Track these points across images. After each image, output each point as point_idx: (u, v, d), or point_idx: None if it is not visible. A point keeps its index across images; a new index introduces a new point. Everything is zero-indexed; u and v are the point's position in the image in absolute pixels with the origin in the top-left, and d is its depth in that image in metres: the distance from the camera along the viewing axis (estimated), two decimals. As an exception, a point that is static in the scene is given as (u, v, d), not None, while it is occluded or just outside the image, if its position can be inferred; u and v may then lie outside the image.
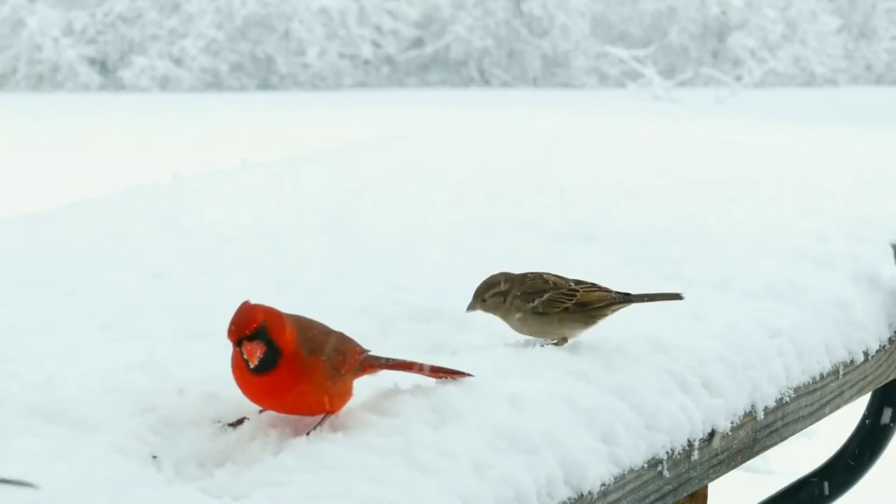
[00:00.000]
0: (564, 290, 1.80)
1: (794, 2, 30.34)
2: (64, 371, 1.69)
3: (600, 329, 1.88)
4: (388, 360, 1.62)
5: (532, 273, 1.84)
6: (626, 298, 1.83)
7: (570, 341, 1.83)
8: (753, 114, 20.71)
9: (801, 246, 2.50)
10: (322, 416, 1.54)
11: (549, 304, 1.80)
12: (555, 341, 1.82)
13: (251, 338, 1.50)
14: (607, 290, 1.83)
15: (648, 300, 1.84)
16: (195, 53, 27.43)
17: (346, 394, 1.56)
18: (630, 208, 2.85)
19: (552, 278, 1.83)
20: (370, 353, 1.61)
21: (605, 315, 1.82)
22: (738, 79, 27.87)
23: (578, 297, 1.80)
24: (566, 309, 1.80)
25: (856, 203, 2.93)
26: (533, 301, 1.80)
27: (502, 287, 1.82)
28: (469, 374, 1.65)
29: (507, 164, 3.63)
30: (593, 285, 1.83)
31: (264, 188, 3.20)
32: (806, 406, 2.05)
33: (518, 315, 1.81)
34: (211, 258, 2.42)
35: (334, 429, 1.53)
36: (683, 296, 1.84)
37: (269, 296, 2.10)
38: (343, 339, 1.59)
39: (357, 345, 1.60)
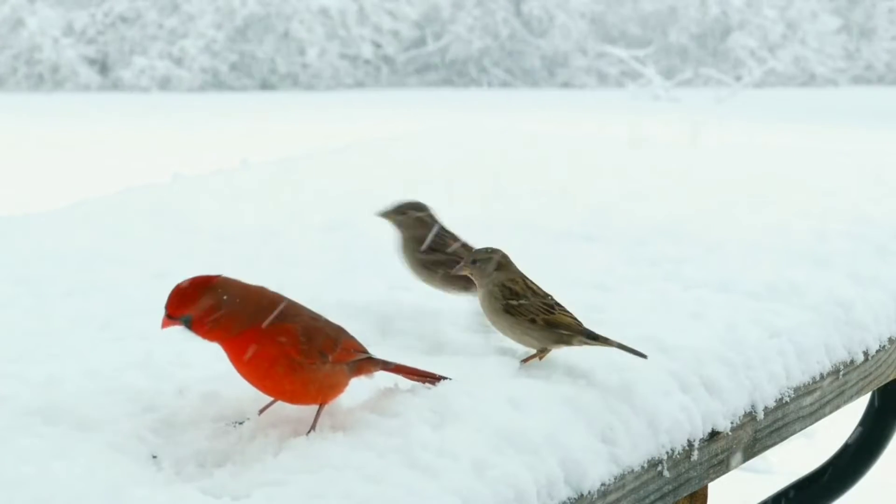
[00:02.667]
0: (540, 304, 1.78)
1: (794, 2, 30.34)
2: (64, 371, 1.69)
3: (600, 327, 1.88)
4: (385, 363, 1.61)
5: (523, 279, 1.82)
6: (594, 336, 1.76)
7: (530, 361, 1.78)
8: (753, 114, 20.71)
9: (801, 246, 2.50)
10: (317, 407, 1.54)
11: (519, 308, 1.78)
12: (535, 353, 1.79)
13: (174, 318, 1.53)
14: (579, 323, 1.78)
15: (616, 346, 1.75)
16: (195, 53, 27.43)
17: (336, 385, 1.56)
18: (630, 208, 2.85)
19: (535, 289, 1.80)
20: (371, 356, 1.61)
21: (570, 343, 1.76)
22: (738, 79, 27.88)
23: (552, 316, 1.77)
24: (532, 321, 1.76)
25: (856, 203, 2.94)
26: (507, 299, 1.78)
27: (495, 258, 1.81)
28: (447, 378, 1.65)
29: (507, 164, 3.63)
30: (569, 314, 1.78)
31: (264, 188, 3.20)
32: (806, 406, 2.05)
33: (488, 299, 1.79)
34: (211, 258, 2.42)
35: (334, 429, 1.53)
36: (647, 356, 1.75)
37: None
38: (339, 330, 1.59)
39: (356, 342, 1.60)
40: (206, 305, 1.52)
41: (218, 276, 1.55)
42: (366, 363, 1.60)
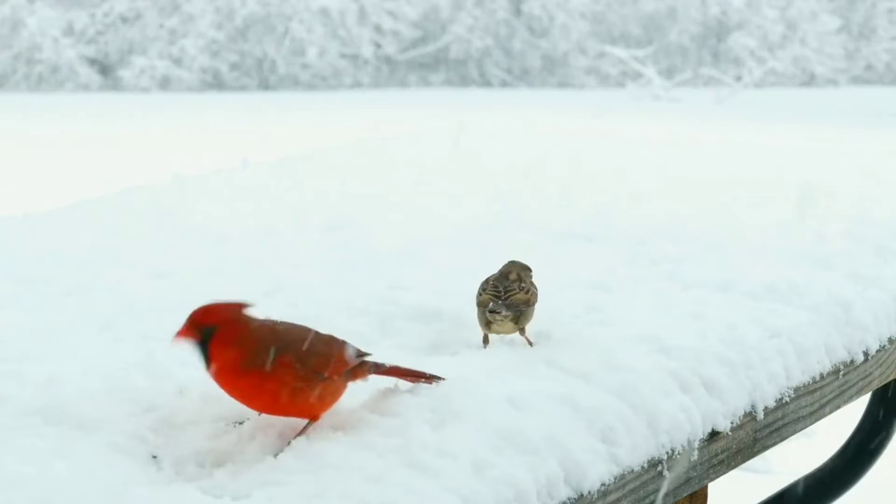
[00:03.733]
0: (498, 290, 1.83)
1: (794, 2, 30.36)
2: (64, 371, 1.69)
3: (600, 327, 1.89)
4: (379, 366, 1.61)
5: (499, 276, 1.86)
6: (492, 310, 1.80)
7: (489, 342, 1.85)
8: (753, 114, 20.71)
9: (801, 246, 2.50)
10: (308, 419, 1.54)
11: (477, 300, 1.85)
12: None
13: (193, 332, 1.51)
14: (491, 299, 1.81)
15: (501, 318, 1.81)
16: (195, 53, 27.44)
17: (334, 394, 1.55)
18: (630, 208, 2.85)
19: (493, 280, 1.85)
20: (366, 360, 1.60)
21: (492, 324, 1.81)
22: (738, 79, 27.88)
23: (478, 298, 1.84)
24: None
25: (856, 203, 2.93)
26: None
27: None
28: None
29: (507, 164, 3.63)
30: (507, 296, 1.82)
31: (264, 188, 3.20)
32: (806, 406, 2.04)
33: None
34: (211, 258, 2.42)
35: (334, 429, 1.53)
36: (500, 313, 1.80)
37: (268, 295, 2.11)
38: (330, 343, 1.58)
39: (348, 349, 1.59)
40: (235, 318, 1.52)
41: (248, 303, 1.55)
42: (361, 369, 1.59)
